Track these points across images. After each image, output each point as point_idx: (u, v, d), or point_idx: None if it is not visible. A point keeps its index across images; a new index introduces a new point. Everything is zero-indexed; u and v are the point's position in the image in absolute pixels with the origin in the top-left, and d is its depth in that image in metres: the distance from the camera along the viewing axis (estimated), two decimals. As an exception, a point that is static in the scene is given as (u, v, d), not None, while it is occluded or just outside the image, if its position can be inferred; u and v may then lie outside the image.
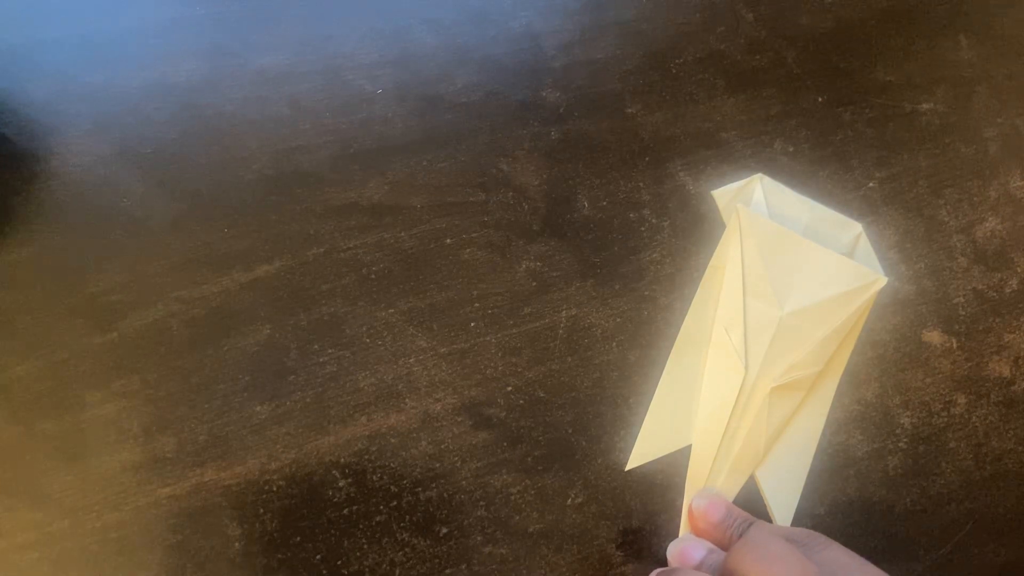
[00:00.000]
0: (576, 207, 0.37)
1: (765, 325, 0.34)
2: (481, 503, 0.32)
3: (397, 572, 0.31)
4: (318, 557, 0.31)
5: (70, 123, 0.36)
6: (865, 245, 0.37)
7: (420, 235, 0.36)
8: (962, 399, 0.36)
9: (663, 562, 0.33)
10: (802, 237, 0.36)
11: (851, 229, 0.37)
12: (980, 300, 0.38)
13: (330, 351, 0.34)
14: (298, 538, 0.31)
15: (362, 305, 0.35)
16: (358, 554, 0.31)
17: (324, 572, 0.31)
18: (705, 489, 0.33)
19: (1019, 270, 0.39)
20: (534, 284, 0.36)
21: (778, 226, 0.36)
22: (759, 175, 0.38)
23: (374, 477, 0.32)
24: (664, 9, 0.41)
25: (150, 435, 0.32)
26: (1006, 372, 0.37)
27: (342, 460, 0.32)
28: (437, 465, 0.33)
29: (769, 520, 0.34)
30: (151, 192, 0.35)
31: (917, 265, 0.38)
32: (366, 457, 0.32)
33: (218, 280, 0.34)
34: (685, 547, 0.31)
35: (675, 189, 0.38)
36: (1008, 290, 0.38)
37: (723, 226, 0.37)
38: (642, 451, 0.34)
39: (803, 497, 0.34)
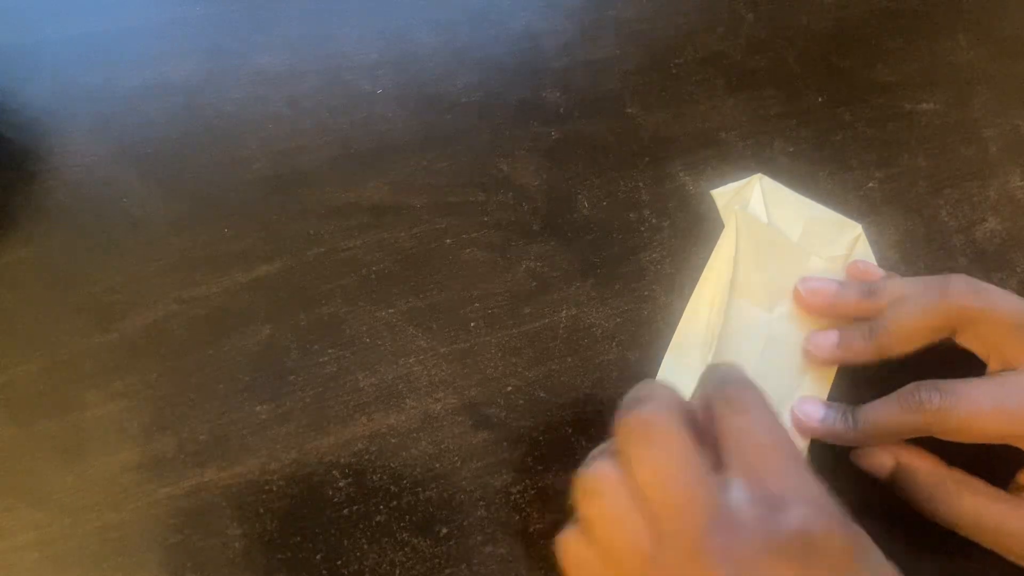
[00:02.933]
0: (576, 207, 0.37)
1: (756, 327, 0.34)
2: (481, 503, 0.32)
3: (397, 572, 0.31)
4: (318, 557, 0.31)
5: (70, 123, 0.36)
6: (864, 246, 0.37)
7: (420, 235, 0.36)
8: (962, 399, 0.36)
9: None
10: (795, 243, 0.36)
11: (851, 230, 0.37)
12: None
13: (330, 351, 0.34)
14: (298, 538, 0.31)
15: (362, 305, 0.35)
16: (358, 554, 0.31)
17: (324, 572, 0.31)
18: None
19: (1019, 270, 0.39)
20: (534, 284, 0.36)
21: (773, 230, 0.36)
22: (759, 175, 0.38)
23: (374, 477, 0.32)
24: (664, 9, 0.41)
25: (150, 435, 0.32)
26: (1006, 372, 0.37)
27: (342, 460, 0.32)
28: (437, 465, 0.33)
29: None
30: (151, 192, 0.35)
31: (917, 265, 0.38)
32: (366, 457, 0.32)
33: (218, 280, 0.34)
34: None
35: (675, 189, 0.38)
36: (1008, 290, 0.38)
37: (723, 226, 0.37)
38: None
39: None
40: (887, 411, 0.31)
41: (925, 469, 0.31)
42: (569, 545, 0.26)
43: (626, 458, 0.24)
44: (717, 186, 0.38)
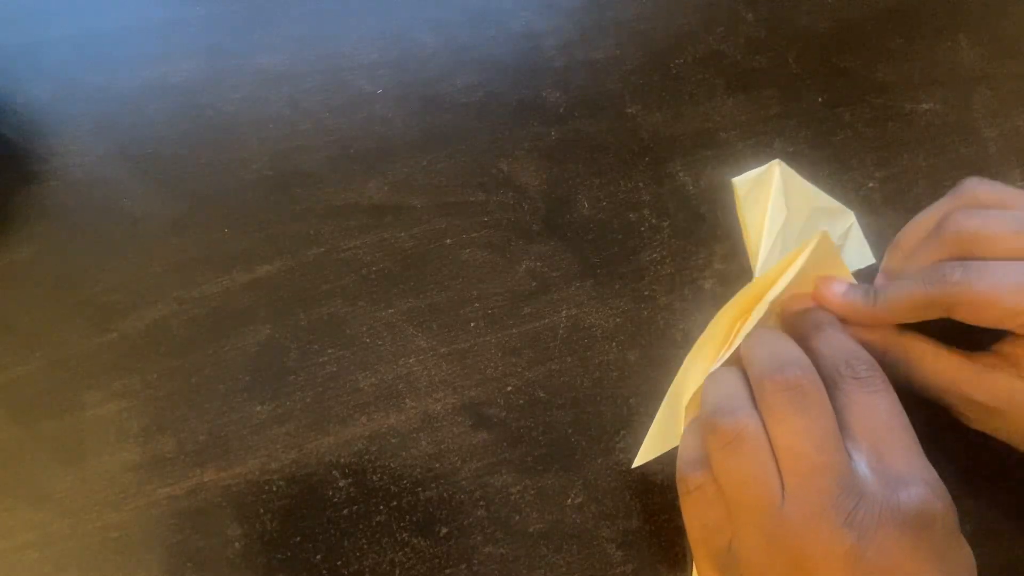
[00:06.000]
0: (576, 207, 0.37)
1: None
2: (481, 503, 0.32)
3: (397, 572, 0.31)
4: (318, 557, 0.31)
5: (70, 123, 0.36)
6: (857, 234, 0.37)
7: (420, 235, 0.36)
8: (962, 399, 0.36)
9: (663, 562, 0.33)
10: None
11: (845, 220, 0.37)
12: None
13: (330, 351, 0.34)
14: (298, 538, 0.31)
15: (362, 305, 0.35)
16: (358, 554, 0.31)
17: (324, 572, 0.31)
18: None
19: (1019, 270, 0.39)
20: (534, 284, 0.36)
21: (846, 268, 0.34)
22: (777, 161, 0.37)
23: (374, 477, 0.32)
24: (664, 9, 0.41)
25: (150, 435, 0.32)
26: (1006, 372, 0.37)
27: (342, 460, 0.32)
28: (437, 465, 0.33)
29: None
30: (151, 192, 0.35)
31: (917, 265, 0.38)
32: (366, 457, 0.32)
33: (218, 280, 0.34)
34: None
35: (675, 189, 0.38)
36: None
37: (727, 219, 0.36)
38: (651, 447, 0.33)
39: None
40: (908, 285, 0.30)
41: (868, 343, 0.31)
42: (693, 499, 0.28)
43: (771, 417, 0.26)
44: (716, 185, 0.38)
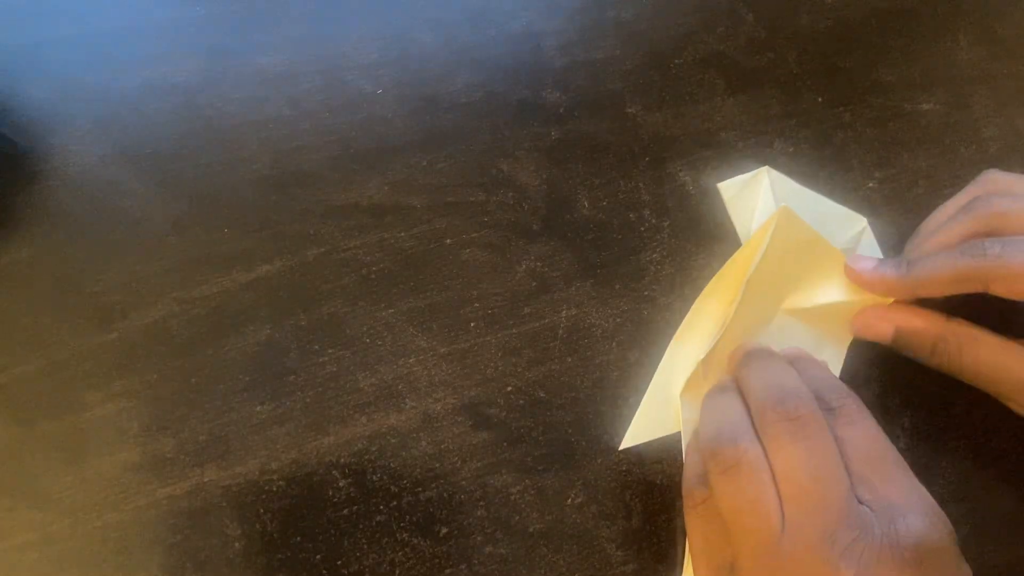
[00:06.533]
0: (576, 207, 0.37)
1: (763, 318, 0.34)
2: (481, 503, 0.32)
3: (397, 572, 0.31)
4: (318, 557, 0.31)
5: (70, 123, 0.36)
6: (869, 239, 0.37)
7: (420, 235, 0.36)
8: (962, 399, 0.36)
9: (663, 562, 0.33)
10: (840, 248, 0.34)
11: (856, 223, 0.37)
12: (979, 299, 0.38)
13: (330, 351, 0.34)
14: (298, 538, 0.31)
15: (362, 305, 0.35)
16: (358, 554, 0.31)
17: (324, 572, 0.31)
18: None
19: (1019, 270, 0.38)
20: (534, 284, 0.36)
21: (815, 232, 0.34)
22: (765, 168, 0.37)
23: (374, 477, 0.32)
24: (664, 9, 0.41)
25: (150, 435, 0.32)
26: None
27: (342, 460, 0.32)
28: (437, 465, 0.33)
29: None
30: (151, 192, 0.35)
31: (917, 265, 0.38)
32: (366, 457, 0.32)
33: (218, 280, 0.34)
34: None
35: (675, 189, 0.38)
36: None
37: (726, 220, 0.37)
38: (638, 432, 0.33)
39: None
40: (946, 258, 0.30)
41: (923, 328, 0.31)
42: (697, 514, 0.28)
43: (772, 446, 0.26)
44: (717, 186, 0.38)
